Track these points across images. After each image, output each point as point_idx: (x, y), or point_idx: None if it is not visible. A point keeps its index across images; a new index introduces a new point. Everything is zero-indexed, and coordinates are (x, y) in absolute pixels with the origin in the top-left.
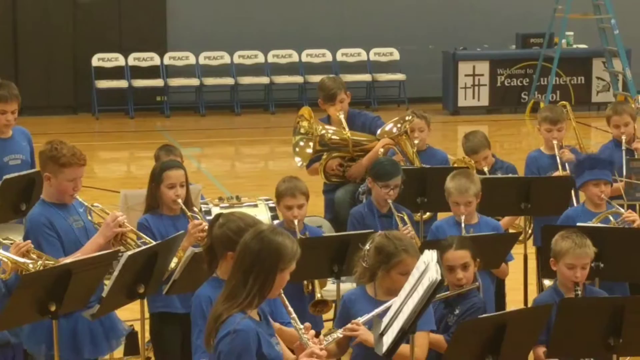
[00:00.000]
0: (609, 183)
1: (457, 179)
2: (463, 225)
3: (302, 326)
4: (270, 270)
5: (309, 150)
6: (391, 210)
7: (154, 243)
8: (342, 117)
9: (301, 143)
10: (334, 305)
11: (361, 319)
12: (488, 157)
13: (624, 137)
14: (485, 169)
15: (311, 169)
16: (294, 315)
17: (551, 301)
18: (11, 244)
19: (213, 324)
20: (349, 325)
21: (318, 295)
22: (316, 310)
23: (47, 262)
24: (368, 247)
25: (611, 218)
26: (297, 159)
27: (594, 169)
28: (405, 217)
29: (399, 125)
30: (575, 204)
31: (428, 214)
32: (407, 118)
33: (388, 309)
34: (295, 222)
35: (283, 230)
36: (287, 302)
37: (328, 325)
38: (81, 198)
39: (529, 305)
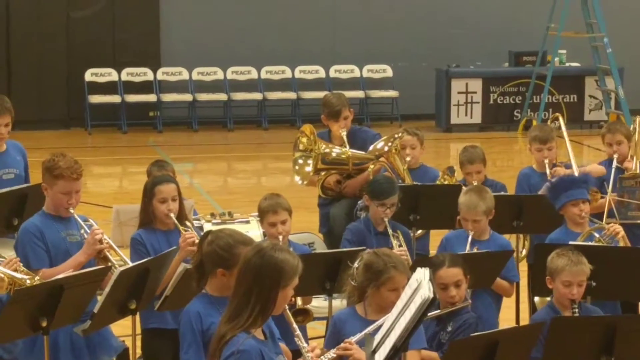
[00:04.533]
0: (587, 201)
1: (469, 195)
2: (469, 240)
3: (306, 344)
4: (272, 288)
5: (308, 169)
6: (387, 228)
7: (141, 260)
8: (344, 134)
9: (300, 161)
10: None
11: (354, 338)
12: (481, 172)
13: (615, 156)
14: (475, 184)
15: (309, 181)
16: (298, 332)
17: (548, 318)
18: (2, 260)
19: (217, 344)
20: (342, 345)
21: (299, 303)
22: (297, 320)
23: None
24: (357, 265)
25: (595, 234)
26: (297, 177)
27: (569, 190)
28: (401, 236)
29: (389, 143)
30: None
31: (420, 231)
32: (397, 135)
33: (380, 327)
34: (280, 238)
35: (284, 247)
36: (292, 319)
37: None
38: (77, 214)
39: (521, 323)
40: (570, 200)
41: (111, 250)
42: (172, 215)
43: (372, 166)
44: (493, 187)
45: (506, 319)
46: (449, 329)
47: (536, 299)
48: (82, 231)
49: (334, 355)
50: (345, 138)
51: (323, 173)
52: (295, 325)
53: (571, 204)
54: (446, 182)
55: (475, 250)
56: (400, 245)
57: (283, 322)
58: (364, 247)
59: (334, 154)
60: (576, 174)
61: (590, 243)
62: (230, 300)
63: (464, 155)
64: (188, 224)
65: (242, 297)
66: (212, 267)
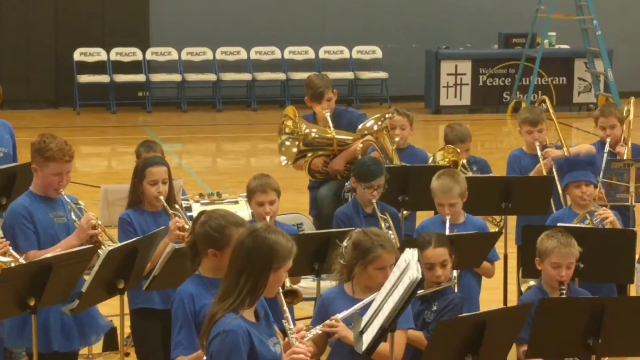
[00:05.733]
0: (591, 183)
1: (442, 179)
2: (447, 225)
3: (292, 326)
4: (263, 269)
5: (295, 150)
6: (376, 210)
7: (129, 240)
8: (328, 115)
9: (287, 143)
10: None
11: (340, 315)
12: (469, 149)
13: (608, 140)
14: (464, 161)
15: (297, 165)
16: (287, 315)
17: (536, 300)
18: None
19: (207, 323)
20: (328, 322)
21: (287, 284)
22: (286, 301)
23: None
24: (346, 244)
25: (588, 217)
26: (283, 157)
27: (573, 170)
28: (389, 218)
29: (379, 123)
30: (563, 204)
31: (406, 212)
32: (387, 115)
33: (366, 305)
34: (267, 218)
35: (277, 229)
36: (283, 301)
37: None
38: (66, 195)
39: (508, 304)
40: (573, 181)
41: (104, 235)
42: (161, 197)
43: (360, 145)
44: (477, 164)
45: (494, 300)
46: (434, 308)
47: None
48: (72, 214)
49: (320, 331)
50: (329, 119)
51: (310, 154)
52: (285, 308)
53: (574, 186)
54: (445, 157)
55: (455, 233)
56: (388, 228)
57: (273, 303)
58: (354, 228)
59: (317, 135)
60: (566, 154)
61: (582, 225)
62: (223, 280)
63: (454, 135)
64: (177, 207)
65: (233, 278)
66: (204, 248)
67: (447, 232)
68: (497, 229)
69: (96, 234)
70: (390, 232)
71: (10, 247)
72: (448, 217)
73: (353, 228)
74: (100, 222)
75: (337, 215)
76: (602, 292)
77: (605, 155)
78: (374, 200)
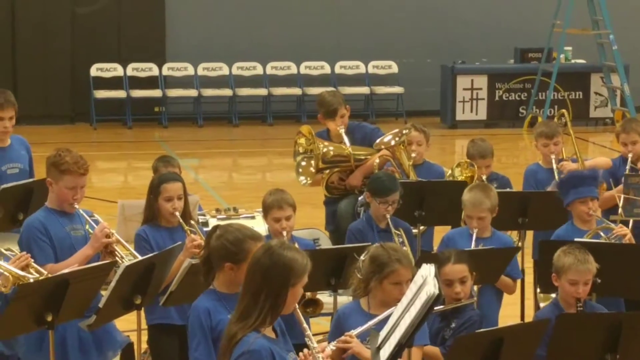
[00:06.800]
0: (595, 198)
1: (474, 192)
2: (474, 238)
3: (316, 345)
4: (282, 286)
5: (313, 169)
6: (389, 225)
7: (146, 256)
8: (342, 132)
9: (303, 163)
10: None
11: (354, 332)
12: (490, 165)
13: (630, 156)
14: (484, 177)
15: (313, 181)
16: (308, 332)
17: (552, 316)
18: (12, 255)
19: (227, 344)
20: (342, 338)
21: (308, 294)
22: (307, 311)
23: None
24: (363, 258)
25: (602, 234)
26: (302, 177)
27: (578, 187)
28: (402, 233)
29: (397, 138)
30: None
31: (422, 227)
32: (405, 131)
33: (381, 321)
34: (284, 233)
35: (292, 245)
36: (302, 318)
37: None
38: (81, 209)
39: (526, 319)
40: (578, 197)
41: (119, 244)
42: (177, 214)
43: (377, 160)
44: (498, 181)
45: (511, 316)
46: (453, 325)
47: (539, 296)
48: (87, 226)
49: (334, 348)
50: (344, 135)
51: (327, 172)
52: (305, 325)
53: (579, 202)
54: (462, 172)
55: (481, 247)
56: (402, 243)
57: (288, 317)
58: (367, 243)
59: (334, 152)
60: (582, 168)
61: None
62: (240, 299)
63: (475, 149)
64: (192, 222)
65: (251, 297)
66: (220, 261)
67: (473, 245)
68: None
69: (110, 243)
70: (404, 247)
71: (33, 261)
72: (475, 231)
73: (368, 243)
74: (114, 232)
75: (350, 230)
76: (612, 307)
77: (628, 170)
78: (388, 216)
